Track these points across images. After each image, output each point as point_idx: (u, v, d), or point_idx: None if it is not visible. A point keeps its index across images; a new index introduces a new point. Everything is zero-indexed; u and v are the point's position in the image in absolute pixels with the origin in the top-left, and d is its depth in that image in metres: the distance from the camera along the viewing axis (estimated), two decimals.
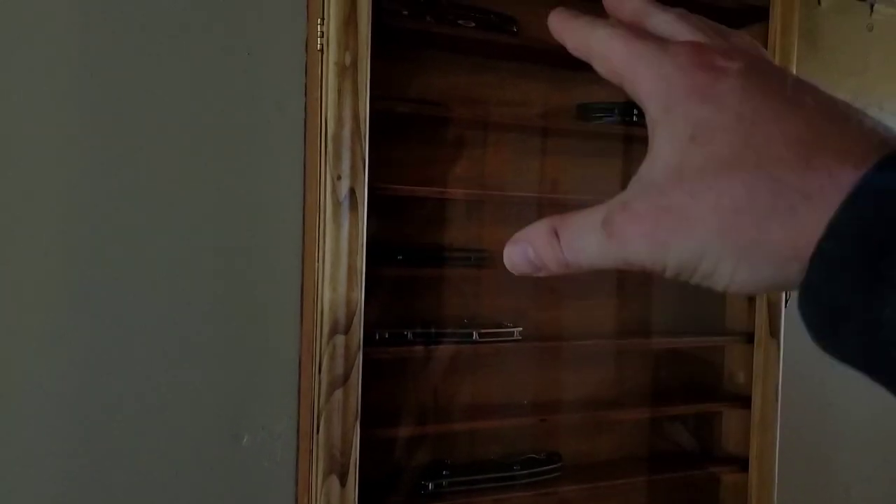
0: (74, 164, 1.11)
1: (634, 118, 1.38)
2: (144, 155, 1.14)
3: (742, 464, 1.44)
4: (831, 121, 0.24)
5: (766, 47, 1.47)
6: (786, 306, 1.43)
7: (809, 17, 1.70)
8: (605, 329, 1.44)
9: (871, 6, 1.78)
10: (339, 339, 1.09)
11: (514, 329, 1.28)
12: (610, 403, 1.42)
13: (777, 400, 1.42)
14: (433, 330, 1.23)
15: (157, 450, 1.15)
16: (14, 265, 1.07)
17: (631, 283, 1.47)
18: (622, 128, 1.39)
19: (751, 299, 1.44)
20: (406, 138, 1.30)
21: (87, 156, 1.11)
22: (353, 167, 1.10)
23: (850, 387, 1.70)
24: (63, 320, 1.10)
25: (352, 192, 1.10)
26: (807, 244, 0.22)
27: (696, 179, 0.24)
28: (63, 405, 1.10)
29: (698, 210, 0.24)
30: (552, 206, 1.35)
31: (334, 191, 1.09)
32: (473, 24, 1.25)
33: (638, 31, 0.27)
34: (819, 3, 1.73)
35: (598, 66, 0.28)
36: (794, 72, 1.47)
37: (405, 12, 1.21)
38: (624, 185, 0.27)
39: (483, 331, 1.25)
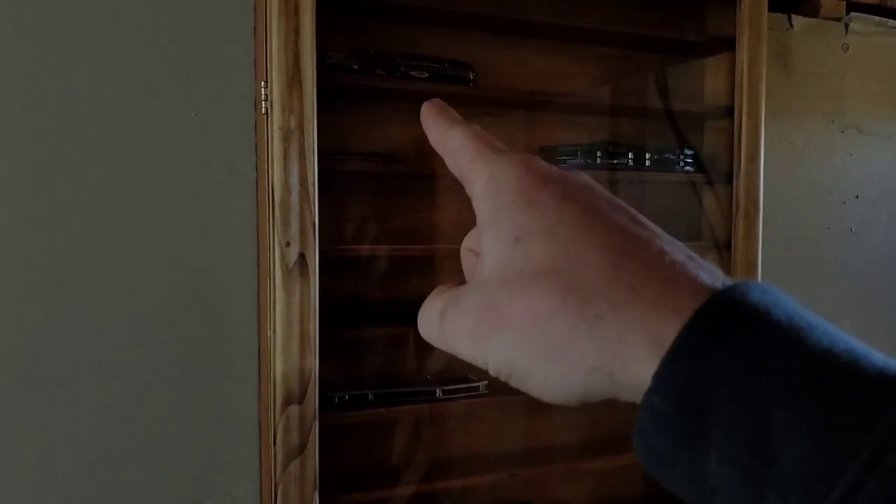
0: (15, 228, 1.09)
1: (598, 160, 1.35)
2: (91, 215, 1.12)
3: None
4: (637, 242, 0.25)
5: (734, 77, 1.44)
6: None
7: (781, 40, 1.66)
8: None
9: (846, 25, 1.74)
10: (294, 410, 1.07)
11: (480, 383, 1.25)
12: (584, 449, 1.40)
13: None
14: (394, 390, 1.20)
15: None
16: None
17: None
18: (585, 170, 1.36)
19: None
20: (358, 193, 1.28)
21: (30, 219, 1.09)
22: (302, 232, 1.07)
23: None
24: (22, 401, 1.08)
25: (301, 257, 1.08)
26: (608, 359, 0.24)
27: (516, 281, 0.26)
28: (22, 474, 1.08)
29: (515, 310, 0.25)
30: None
31: (283, 257, 1.07)
32: (427, 75, 1.22)
33: (488, 138, 0.30)
34: (791, 25, 1.69)
35: (450, 161, 0.30)
36: (765, 99, 1.43)
37: (355, 66, 1.18)
38: None
39: (446, 388, 1.22)
